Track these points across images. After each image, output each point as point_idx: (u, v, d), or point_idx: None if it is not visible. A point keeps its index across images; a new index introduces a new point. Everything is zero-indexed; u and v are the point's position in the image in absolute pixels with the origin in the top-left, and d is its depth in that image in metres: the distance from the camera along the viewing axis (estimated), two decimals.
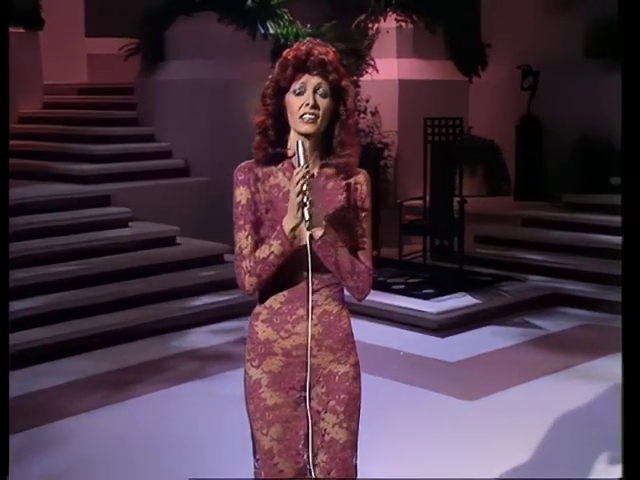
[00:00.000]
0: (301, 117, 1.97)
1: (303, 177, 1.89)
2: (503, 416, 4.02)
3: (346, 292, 2.13)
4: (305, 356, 2.06)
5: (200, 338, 5.35)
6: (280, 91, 2.00)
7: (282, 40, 7.68)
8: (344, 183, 2.06)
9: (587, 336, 5.43)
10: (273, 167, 2.06)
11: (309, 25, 7.86)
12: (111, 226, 6.38)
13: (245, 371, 2.14)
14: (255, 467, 2.14)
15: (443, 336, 5.43)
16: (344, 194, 2.06)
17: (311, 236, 1.96)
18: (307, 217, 1.91)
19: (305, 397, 2.07)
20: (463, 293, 6.00)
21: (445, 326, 5.53)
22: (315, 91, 1.97)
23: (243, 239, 2.04)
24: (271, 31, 7.61)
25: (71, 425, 3.98)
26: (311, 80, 1.97)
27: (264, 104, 2.04)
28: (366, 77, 8.00)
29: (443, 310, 5.61)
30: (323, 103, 1.98)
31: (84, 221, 6.28)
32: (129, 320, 5.40)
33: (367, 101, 7.92)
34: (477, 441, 3.73)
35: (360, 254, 2.07)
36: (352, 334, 2.13)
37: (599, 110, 8.10)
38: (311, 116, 1.96)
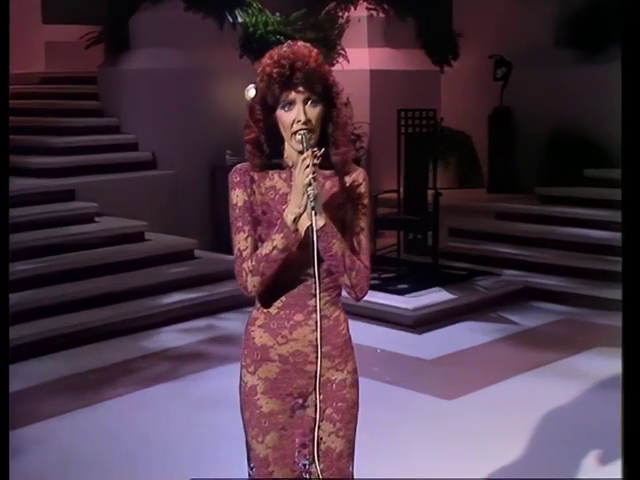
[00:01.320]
0: (295, 133, 1.96)
1: (310, 163, 1.89)
2: (483, 415, 4.05)
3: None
4: (303, 363, 2.05)
5: (171, 337, 5.31)
6: (268, 106, 1.98)
7: (251, 29, 7.62)
8: (341, 181, 2.06)
9: (562, 332, 5.50)
10: (268, 170, 2.05)
11: (278, 13, 7.82)
12: (76, 221, 6.29)
13: (240, 377, 2.12)
14: (250, 475, 2.13)
15: (419, 333, 5.46)
16: (342, 192, 2.05)
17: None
18: (312, 198, 1.89)
19: (302, 404, 2.07)
20: (438, 288, 6.02)
21: (421, 322, 5.56)
22: (305, 103, 1.95)
23: (242, 241, 2.03)
24: (239, 20, 7.54)
25: (37, 432, 3.91)
26: (299, 96, 1.95)
27: (254, 120, 2.02)
28: (337, 67, 7.97)
29: (419, 306, 5.63)
30: (314, 112, 1.97)
31: (47, 217, 6.17)
32: (96, 320, 5.33)
33: None
34: (458, 441, 3.75)
35: (358, 252, 2.06)
36: (350, 339, 2.13)
37: (572, 101, 8.20)
38: (305, 132, 1.94)
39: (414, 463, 3.51)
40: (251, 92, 7.95)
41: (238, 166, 2.08)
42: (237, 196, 2.04)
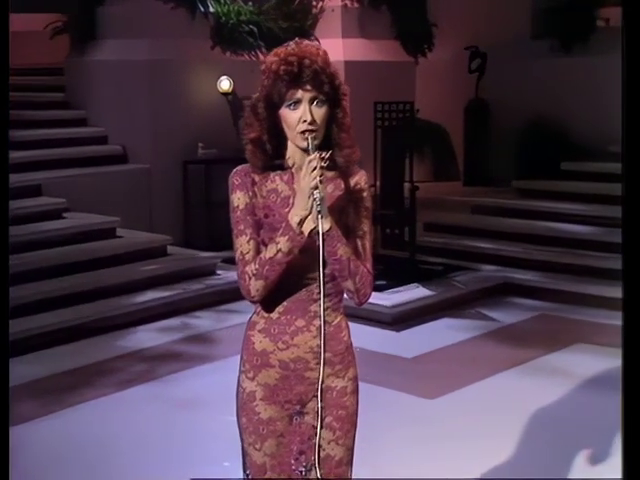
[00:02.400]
0: (300, 133, 1.95)
1: (317, 166, 1.88)
2: (465, 415, 4.09)
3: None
4: (303, 369, 2.05)
5: (146, 337, 5.28)
6: (273, 104, 1.97)
7: (223, 19, 7.60)
8: (344, 184, 2.06)
9: (542, 328, 5.58)
10: (270, 172, 2.05)
11: (251, 3, 7.79)
12: (44, 218, 6.22)
13: (239, 383, 2.12)
14: None
15: (398, 330, 5.50)
16: (344, 195, 2.05)
17: (317, 232, 1.94)
18: (319, 201, 1.88)
19: (300, 411, 2.08)
20: (416, 284, 6.08)
21: (400, 319, 5.60)
22: (311, 103, 1.95)
23: (244, 244, 2.02)
24: (211, 9, 7.51)
25: (11, 437, 3.86)
26: (306, 94, 1.94)
27: (257, 118, 1.99)
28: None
29: (397, 303, 5.67)
30: (320, 113, 1.96)
31: (13, 213, 6.02)
32: (68, 319, 5.28)
33: None
34: (441, 441, 3.78)
35: (361, 257, 2.05)
36: (351, 346, 2.13)
37: (549, 93, 8.30)
38: (311, 133, 1.94)
39: (396, 464, 3.53)
40: (224, 84, 7.98)
41: (238, 168, 2.07)
42: (238, 199, 2.03)
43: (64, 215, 6.36)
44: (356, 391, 2.12)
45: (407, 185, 6.88)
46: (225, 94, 7.38)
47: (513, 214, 7.39)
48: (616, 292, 6.03)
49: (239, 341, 5.65)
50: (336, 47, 8.18)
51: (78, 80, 7.54)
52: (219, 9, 7.52)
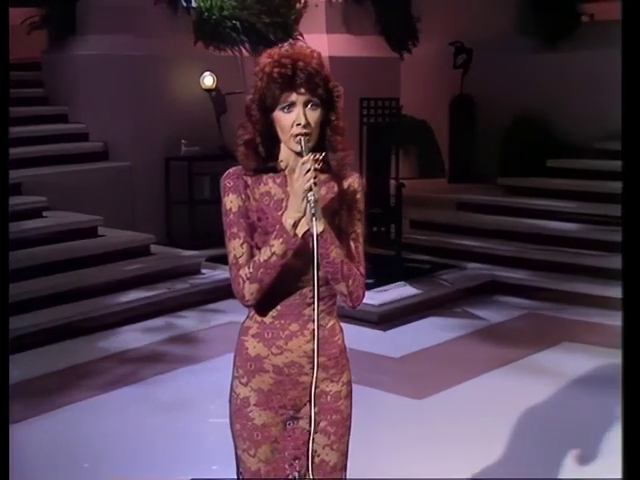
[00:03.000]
0: (294, 136, 1.95)
1: (311, 168, 1.88)
2: (454, 415, 4.11)
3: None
4: (297, 374, 2.05)
5: (129, 338, 5.26)
6: (266, 107, 1.96)
7: (205, 14, 7.58)
8: (337, 186, 2.06)
9: (529, 327, 5.61)
10: (263, 174, 2.05)
11: None
12: (23, 217, 6.15)
13: (232, 388, 2.11)
14: None
15: (385, 329, 5.51)
16: (337, 198, 2.05)
17: (310, 235, 1.94)
18: (313, 204, 1.88)
19: (295, 416, 2.08)
20: (403, 283, 6.09)
21: (386, 318, 5.61)
22: (305, 105, 1.94)
23: (238, 247, 2.01)
24: (194, 4, 7.49)
25: None
26: (300, 97, 1.94)
27: (250, 121, 1.99)
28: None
29: (384, 301, 5.68)
30: (314, 116, 1.96)
31: None
32: (48, 320, 5.25)
33: None
34: (430, 442, 3.80)
35: (354, 259, 2.05)
36: (345, 349, 2.14)
37: (534, 89, 8.34)
38: (304, 136, 1.93)
39: (385, 466, 3.54)
40: (207, 80, 7.94)
41: (230, 170, 2.06)
42: (231, 201, 2.02)
43: (44, 214, 6.31)
44: (350, 396, 2.12)
45: (393, 182, 6.90)
46: (208, 90, 7.36)
47: (499, 211, 7.43)
48: (604, 290, 6.13)
49: (225, 341, 5.62)
50: (320, 43, 8.18)
51: (58, 76, 7.48)
52: (202, 4, 7.50)
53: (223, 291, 6.02)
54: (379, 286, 5.92)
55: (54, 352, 4.99)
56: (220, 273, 6.28)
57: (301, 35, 8.12)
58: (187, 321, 5.62)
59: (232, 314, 5.64)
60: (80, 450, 3.79)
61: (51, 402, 4.28)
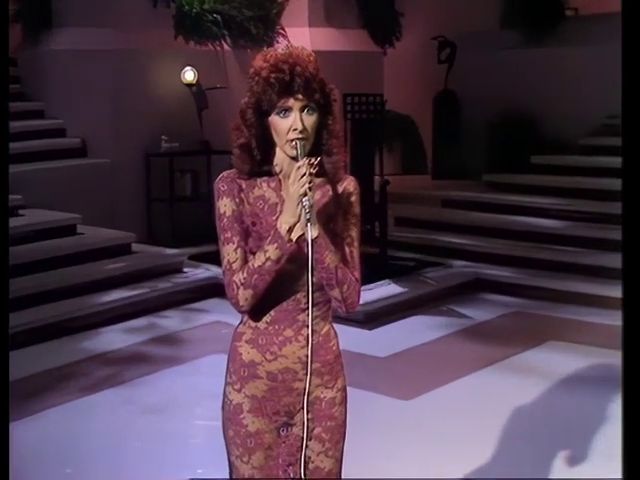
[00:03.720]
0: (289, 141, 1.96)
1: (307, 172, 1.89)
2: (442, 417, 4.14)
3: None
4: (291, 380, 2.07)
5: (112, 338, 5.26)
6: (262, 111, 1.98)
7: (186, 7, 7.56)
8: (332, 190, 2.07)
9: (515, 325, 5.67)
10: (257, 178, 2.06)
11: None
12: None
13: (225, 394, 2.12)
14: None
15: (370, 328, 5.54)
16: (332, 202, 2.06)
17: (304, 240, 1.95)
18: (308, 209, 1.89)
19: (289, 423, 2.09)
20: (388, 281, 6.13)
21: (372, 317, 5.64)
22: (302, 111, 1.96)
23: (231, 252, 2.02)
24: None
25: None
26: (297, 103, 1.95)
27: (246, 124, 2.00)
28: (277, 47, 7.97)
29: (370, 300, 5.71)
30: (310, 120, 1.97)
31: None
32: (27, 322, 5.22)
33: None
34: (419, 444, 3.83)
35: (349, 265, 2.06)
36: (340, 355, 2.15)
37: (519, 84, 8.41)
38: (301, 141, 1.95)
39: (371, 470, 3.54)
40: (188, 74, 7.91)
41: (224, 174, 2.07)
42: (225, 205, 2.03)
43: (20, 212, 6.27)
44: (344, 402, 2.14)
45: (377, 179, 6.94)
46: (189, 85, 7.35)
47: (484, 208, 7.50)
48: (590, 288, 6.20)
49: (209, 341, 5.65)
50: (302, 36, 8.20)
51: (35, 71, 7.43)
52: None
53: (206, 290, 6.05)
54: (364, 285, 5.92)
55: (35, 354, 4.97)
56: (203, 272, 6.29)
57: (283, 29, 8.14)
58: (170, 321, 5.62)
59: (216, 313, 5.67)
60: (64, 453, 3.78)
61: (33, 405, 4.26)
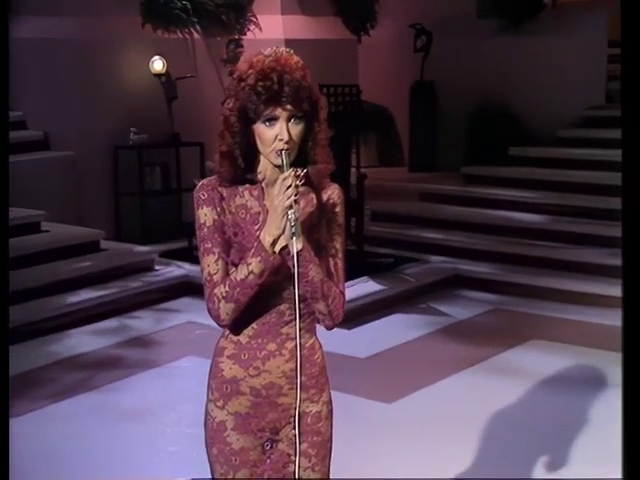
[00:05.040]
0: (275, 150, 1.95)
1: (292, 184, 1.88)
2: (426, 419, 4.18)
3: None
4: (276, 395, 2.06)
5: (81, 341, 5.22)
6: (247, 118, 1.96)
7: None
8: (316, 199, 2.06)
9: (496, 323, 5.72)
10: (238, 186, 2.05)
11: None
12: None
13: (207, 412, 2.11)
14: None
15: (349, 327, 5.55)
16: (316, 211, 2.06)
17: (288, 252, 1.94)
18: (293, 223, 1.88)
19: (275, 440, 2.09)
20: (366, 278, 6.15)
21: (350, 316, 5.62)
22: (288, 120, 1.95)
23: (212, 264, 2.00)
24: None
25: None
26: (284, 112, 1.93)
27: (229, 131, 1.98)
28: (249, 35, 7.95)
29: (348, 299, 5.67)
30: (297, 130, 1.96)
31: None
32: None
33: None
34: (403, 449, 3.86)
35: (333, 277, 2.06)
36: (325, 368, 2.15)
37: (496, 74, 8.46)
38: (286, 151, 1.94)
39: (357, 474, 3.58)
40: (156, 64, 7.83)
41: (204, 181, 2.06)
42: (205, 215, 2.02)
43: None
44: (330, 416, 2.14)
45: (353, 171, 6.94)
46: (158, 75, 7.29)
47: (462, 202, 7.55)
48: (573, 285, 6.27)
49: (184, 343, 5.62)
50: (275, 24, 8.18)
51: None
52: None
53: (179, 289, 6.04)
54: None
55: None
56: (174, 269, 6.27)
57: (255, 16, 8.10)
58: (142, 322, 5.59)
59: (189, 313, 5.66)
60: (34, 465, 3.76)
61: None
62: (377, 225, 7.38)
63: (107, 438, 3.99)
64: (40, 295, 5.58)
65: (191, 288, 5.85)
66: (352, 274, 6.06)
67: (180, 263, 6.32)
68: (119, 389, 4.55)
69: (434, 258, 6.79)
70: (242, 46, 7.82)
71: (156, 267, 6.28)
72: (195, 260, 2.07)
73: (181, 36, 7.63)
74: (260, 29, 7.98)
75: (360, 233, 6.78)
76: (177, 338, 5.29)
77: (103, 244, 6.30)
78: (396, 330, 5.56)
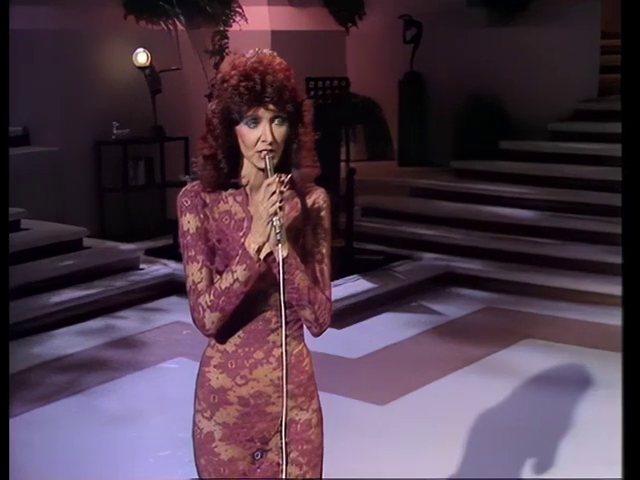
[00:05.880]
0: (258, 152, 1.95)
1: (277, 190, 1.88)
2: (420, 421, 4.19)
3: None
4: (264, 404, 2.07)
5: (66, 342, 5.20)
6: (230, 120, 1.96)
7: None
8: (300, 203, 2.06)
9: (489, 322, 5.74)
10: (222, 192, 2.05)
11: None
12: None
13: (194, 422, 2.12)
14: None
15: (340, 327, 5.56)
16: (301, 216, 2.05)
17: (273, 258, 1.95)
18: (279, 229, 1.89)
19: (265, 449, 2.10)
20: (356, 276, 6.17)
21: (341, 315, 5.65)
22: (271, 121, 1.95)
23: (196, 272, 2.00)
24: None
25: None
26: (267, 113, 1.93)
27: (212, 134, 1.98)
28: (234, 27, 7.93)
29: (338, 297, 5.70)
30: (280, 132, 1.96)
31: None
32: None
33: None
34: (398, 450, 3.88)
35: (319, 283, 2.06)
36: (313, 375, 2.15)
37: (487, 66, 8.48)
38: (269, 153, 1.94)
39: (349, 476, 3.59)
40: (140, 57, 7.82)
41: (187, 187, 2.05)
42: (189, 222, 2.02)
43: None
44: (320, 424, 2.15)
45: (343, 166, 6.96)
46: (142, 68, 7.26)
47: (453, 197, 7.57)
48: (564, 281, 6.29)
49: (171, 344, 5.61)
50: (262, 15, 8.15)
51: None
52: None
53: (165, 288, 6.02)
54: (332, 280, 5.97)
55: None
56: (160, 268, 6.26)
57: (240, 7, 8.07)
58: (128, 322, 5.58)
59: (176, 313, 5.64)
60: (20, 470, 3.74)
61: None
62: (367, 221, 7.39)
63: (94, 443, 3.98)
64: (22, 295, 5.53)
65: (178, 287, 5.84)
66: (342, 272, 6.14)
67: (166, 261, 6.31)
68: (106, 392, 4.55)
69: (425, 255, 6.81)
70: (227, 37, 7.80)
71: (141, 265, 6.27)
72: (180, 258, 2.08)
73: (165, 28, 7.61)
74: (246, 20, 7.95)
75: (350, 230, 6.79)
76: (165, 338, 5.28)
77: (86, 242, 6.28)
78: (388, 329, 5.58)
